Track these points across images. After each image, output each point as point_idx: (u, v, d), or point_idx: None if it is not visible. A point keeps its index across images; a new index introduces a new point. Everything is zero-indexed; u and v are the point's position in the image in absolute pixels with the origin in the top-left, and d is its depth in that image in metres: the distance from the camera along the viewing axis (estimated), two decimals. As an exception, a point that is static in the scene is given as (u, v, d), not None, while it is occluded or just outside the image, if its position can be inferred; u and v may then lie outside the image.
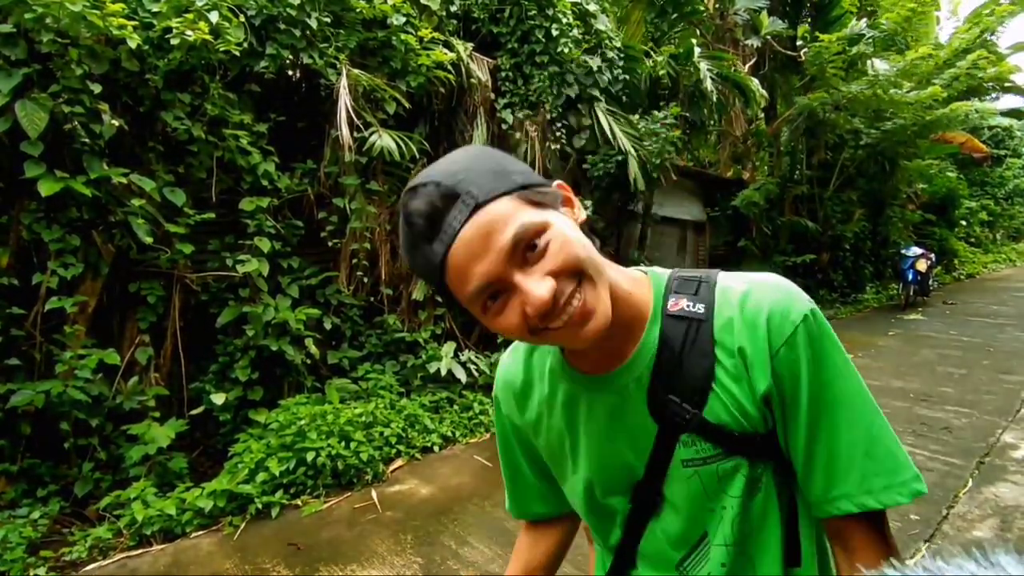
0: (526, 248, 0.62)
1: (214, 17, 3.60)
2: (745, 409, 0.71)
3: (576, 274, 0.63)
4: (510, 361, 0.90)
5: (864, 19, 11.22)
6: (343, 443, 3.74)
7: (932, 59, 9.42)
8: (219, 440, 4.13)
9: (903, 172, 11.84)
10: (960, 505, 3.33)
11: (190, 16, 3.52)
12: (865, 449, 0.70)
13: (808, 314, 0.70)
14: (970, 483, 3.58)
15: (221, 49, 3.66)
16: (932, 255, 11.64)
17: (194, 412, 3.93)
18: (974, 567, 0.39)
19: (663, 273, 0.79)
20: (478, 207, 0.60)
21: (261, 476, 3.44)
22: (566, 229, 0.64)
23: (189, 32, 3.47)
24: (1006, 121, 16.67)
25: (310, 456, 3.55)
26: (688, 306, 0.74)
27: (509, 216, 0.61)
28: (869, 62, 9.83)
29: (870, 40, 10.05)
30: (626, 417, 0.76)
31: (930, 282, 11.56)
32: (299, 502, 3.48)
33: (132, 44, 3.34)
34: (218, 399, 3.86)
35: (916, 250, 11.08)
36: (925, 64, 9.50)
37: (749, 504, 0.74)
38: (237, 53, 3.73)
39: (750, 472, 0.73)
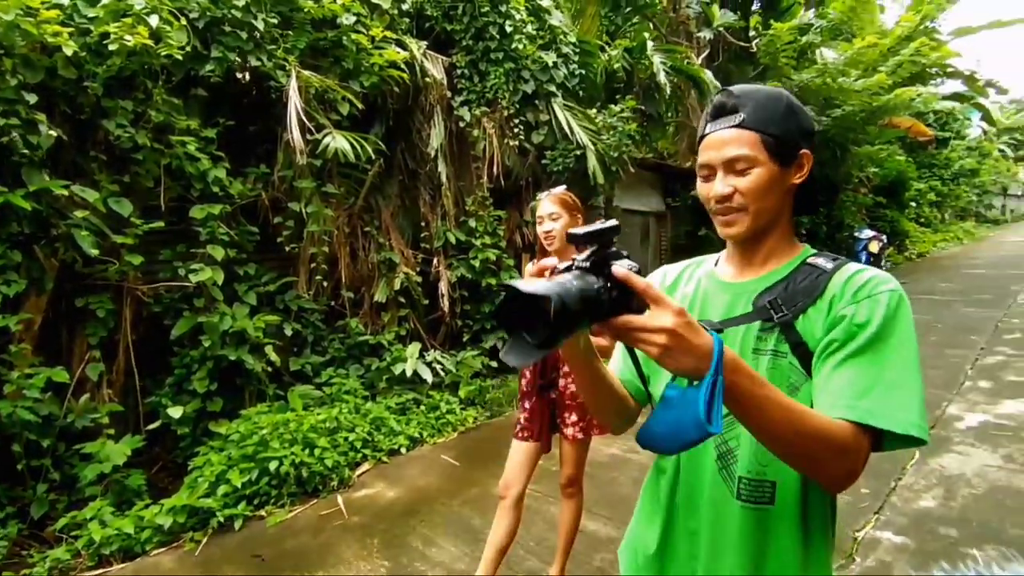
0: (735, 167, 0.96)
1: (154, 21, 3.49)
2: (815, 332, 0.93)
3: (742, 203, 0.97)
4: (673, 266, 1.22)
5: (812, 10, 11.53)
6: (307, 450, 3.71)
7: (877, 47, 9.72)
8: (179, 454, 4.04)
9: (854, 157, 12.21)
10: (908, 477, 3.48)
11: (128, 21, 3.41)
12: (889, 387, 0.85)
13: (896, 290, 0.92)
14: (917, 455, 3.75)
15: (163, 53, 3.56)
16: (884, 236, 12.05)
17: (150, 427, 3.84)
18: None
19: (814, 250, 1.06)
20: (738, 126, 0.95)
21: (222, 489, 3.39)
22: (762, 177, 0.96)
23: (128, 37, 3.37)
24: (949, 104, 17.32)
25: (273, 465, 3.51)
26: (822, 263, 1.00)
27: (745, 144, 0.95)
28: (818, 51, 10.08)
29: (819, 30, 10.32)
30: (733, 312, 1.04)
31: (883, 263, 11.98)
32: (263, 513, 3.44)
33: (68, 51, 3.22)
34: (175, 412, 3.78)
35: (868, 232, 11.46)
36: (871, 52, 9.80)
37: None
38: (180, 57, 3.63)
39: (797, 380, 0.94)
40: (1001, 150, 28.67)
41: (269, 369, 4.37)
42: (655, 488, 1.12)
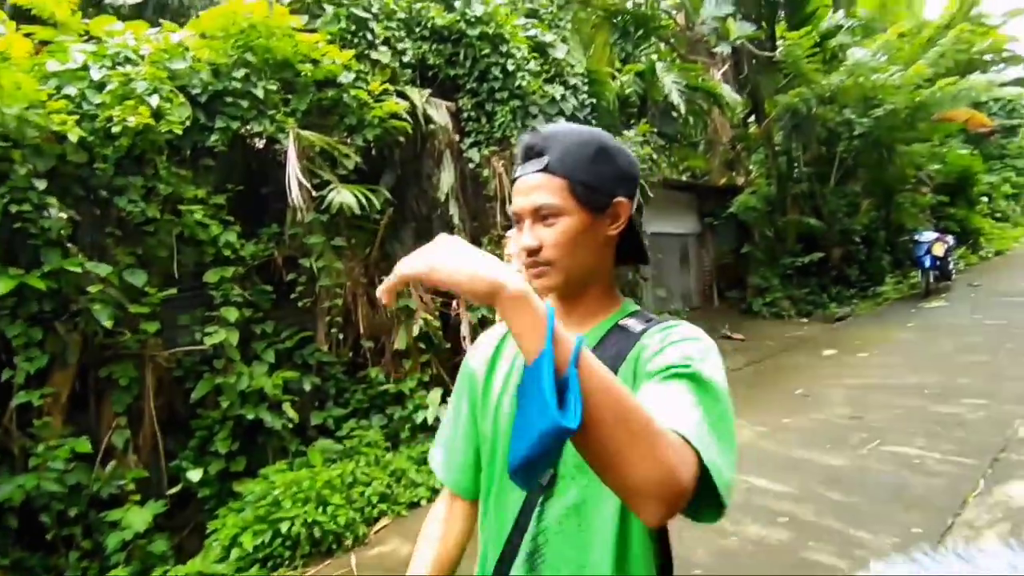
0: (542, 215, 0.89)
1: (154, 101, 3.69)
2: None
3: (549, 258, 0.89)
4: (502, 327, 1.10)
5: (841, 11, 11.11)
6: (320, 508, 3.66)
7: (913, 39, 9.23)
8: (205, 516, 4.09)
9: (906, 157, 11.47)
10: (968, 511, 3.07)
11: (130, 103, 3.62)
12: (710, 427, 0.72)
13: (702, 339, 0.86)
14: (981, 484, 3.32)
15: (164, 130, 3.74)
16: (949, 237, 11.17)
17: (172, 491, 3.90)
18: None
19: (636, 306, 1.00)
20: (544, 170, 0.88)
21: (235, 552, 3.37)
22: (569, 228, 0.88)
23: (130, 118, 3.56)
24: (1014, 91, 16.11)
25: (285, 526, 3.47)
26: (632, 324, 0.93)
27: (551, 191, 0.88)
28: (849, 52, 9.66)
29: (849, 30, 9.91)
30: None
31: (950, 265, 11.08)
32: (276, 576, 3.40)
33: (74, 137, 3.43)
34: (194, 475, 3.83)
35: (930, 234, 10.65)
36: (908, 46, 9.30)
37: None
38: (180, 132, 3.81)
39: None
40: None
41: (291, 425, 4.40)
42: None
